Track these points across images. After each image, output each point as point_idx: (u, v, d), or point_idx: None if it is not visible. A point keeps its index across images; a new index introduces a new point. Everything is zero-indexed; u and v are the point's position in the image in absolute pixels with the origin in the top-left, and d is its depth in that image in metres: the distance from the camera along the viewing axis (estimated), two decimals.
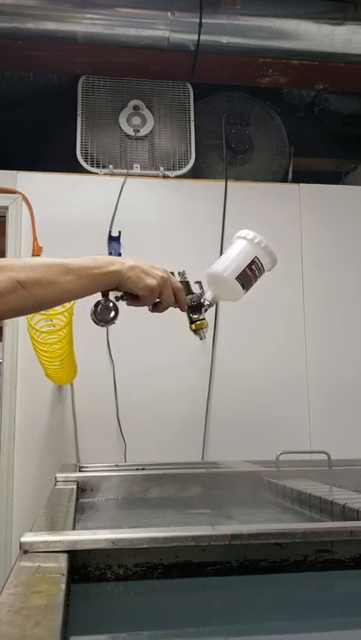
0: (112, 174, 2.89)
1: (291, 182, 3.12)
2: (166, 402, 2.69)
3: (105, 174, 2.89)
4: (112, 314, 1.08)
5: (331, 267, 2.95)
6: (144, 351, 2.72)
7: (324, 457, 1.57)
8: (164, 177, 2.93)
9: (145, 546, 0.71)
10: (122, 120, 2.96)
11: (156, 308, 1.14)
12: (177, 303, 1.14)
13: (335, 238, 2.99)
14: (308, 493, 1.20)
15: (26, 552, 0.69)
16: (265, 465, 1.68)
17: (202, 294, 1.20)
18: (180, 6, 2.60)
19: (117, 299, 1.09)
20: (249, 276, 1.21)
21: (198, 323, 1.20)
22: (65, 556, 0.68)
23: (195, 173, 3.01)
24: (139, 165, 2.93)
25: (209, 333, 2.80)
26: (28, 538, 0.71)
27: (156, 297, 1.10)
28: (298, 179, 3.12)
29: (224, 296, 1.23)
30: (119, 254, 2.71)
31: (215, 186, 2.95)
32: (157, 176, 2.93)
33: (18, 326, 2.62)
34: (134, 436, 2.63)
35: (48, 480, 1.71)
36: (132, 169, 2.92)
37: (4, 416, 2.61)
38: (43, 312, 1.99)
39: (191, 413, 2.70)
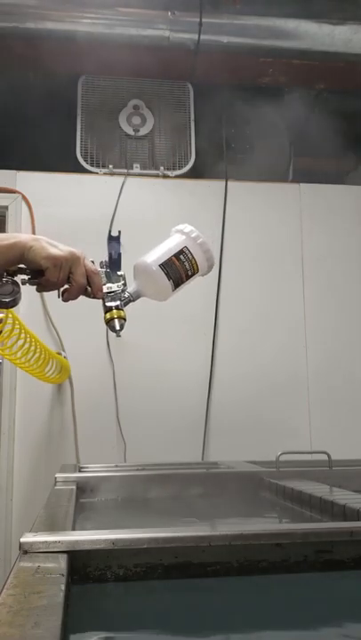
0: (112, 174, 2.89)
1: (291, 182, 3.12)
2: (166, 402, 2.69)
3: (105, 174, 2.89)
4: (9, 293, 0.96)
5: (331, 266, 2.95)
6: (144, 351, 2.72)
7: (324, 457, 1.57)
8: (164, 176, 2.93)
9: (145, 546, 0.71)
10: (122, 120, 2.96)
11: (68, 292, 1.02)
12: (90, 287, 1.04)
13: (336, 238, 2.98)
14: (308, 494, 1.20)
15: (26, 552, 0.69)
16: (265, 465, 1.68)
17: (124, 285, 1.09)
18: (180, 6, 2.60)
19: (24, 282, 0.99)
20: (176, 266, 1.08)
21: (113, 312, 1.07)
22: (65, 556, 0.68)
23: (195, 173, 3.01)
24: (139, 165, 2.93)
25: (209, 333, 2.83)
26: (28, 538, 0.71)
27: (64, 275, 0.99)
28: (298, 178, 3.12)
29: (149, 289, 1.10)
30: (119, 254, 2.70)
31: (215, 185, 2.94)
32: (157, 176, 2.93)
33: None
34: (134, 436, 2.63)
35: (48, 480, 1.70)
36: (132, 168, 2.91)
37: (3, 416, 2.61)
38: None
39: (191, 413, 2.70)
